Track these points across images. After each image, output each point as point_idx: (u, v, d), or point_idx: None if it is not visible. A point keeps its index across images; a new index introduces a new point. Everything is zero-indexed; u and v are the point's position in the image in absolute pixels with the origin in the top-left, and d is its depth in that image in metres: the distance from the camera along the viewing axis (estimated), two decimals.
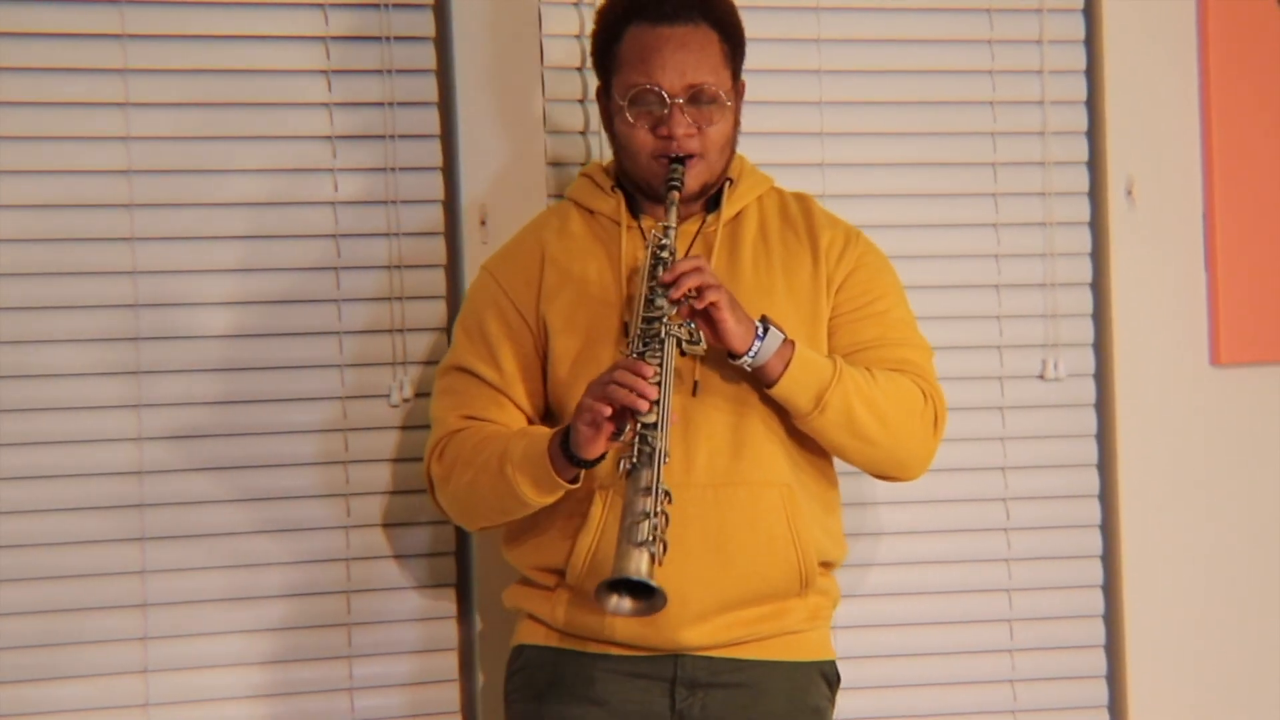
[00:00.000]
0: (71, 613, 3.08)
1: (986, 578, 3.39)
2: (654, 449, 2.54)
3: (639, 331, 2.63)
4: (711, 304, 2.63)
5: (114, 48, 3.09)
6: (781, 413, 2.76)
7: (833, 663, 2.88)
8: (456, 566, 3.20)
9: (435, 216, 3.21)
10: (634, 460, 2.55)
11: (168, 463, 3.11)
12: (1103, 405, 3.44)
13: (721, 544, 2.69)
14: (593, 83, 2.91)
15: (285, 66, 3.17)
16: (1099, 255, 3.44)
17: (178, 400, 3.12)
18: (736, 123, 2.82)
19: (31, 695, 3.06)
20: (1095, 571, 3.43)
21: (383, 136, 3.18)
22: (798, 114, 3.34)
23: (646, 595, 2.50)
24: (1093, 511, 3.44)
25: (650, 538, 2.49)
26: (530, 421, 2.83)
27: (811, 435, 2.76)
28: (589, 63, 2.94)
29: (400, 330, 3.18)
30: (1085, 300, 3.44)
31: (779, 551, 2.74)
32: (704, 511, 2.69)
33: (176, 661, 3.11)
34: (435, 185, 3.21)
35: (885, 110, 3.37)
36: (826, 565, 2.84)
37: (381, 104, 3.18)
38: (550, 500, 2.70)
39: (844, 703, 3.24)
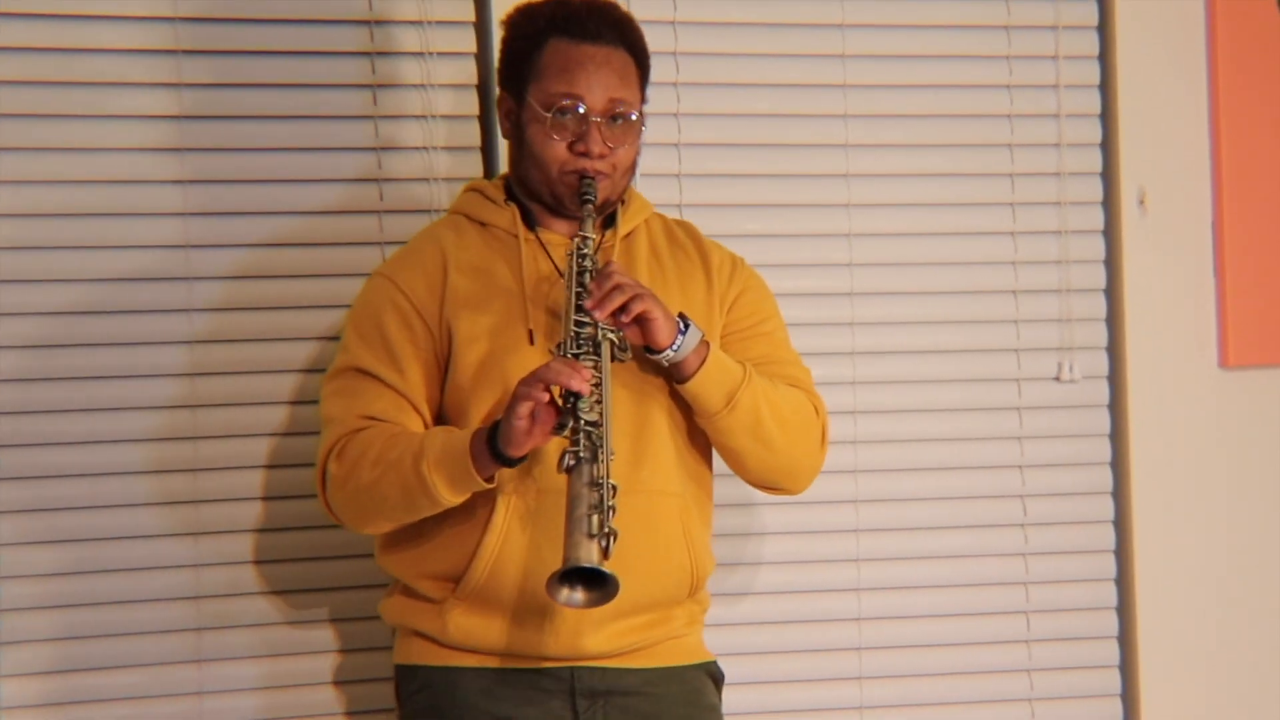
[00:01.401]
0: (124, 605, 3.12)
1: (1004, 572, 3.42)
2: (596, 445, 2.49)
3: (571, 335, 2.58)
4: (642, 313, 2.61)
5: (169, 63, 3.12)
6: (681, 425, 2.75)
7: (715, 663, 2.85)
8: None
9: None
10: (578, 455, 2.49)
11: (221, 460, 3.14)
12: (1115, 406, 3.47)
13: (622, 551, 2.52)
14: None
15: (331, 80, 3.20)
16: (1112, 262, 3.47)
17: (229, 400, 3.14)
18: (639, 148, 2.79)
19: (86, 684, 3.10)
20: (1109, 565, 3.47)
21: (424, 149, 3.21)
22: (824, 126, 3.38)
23: (599, 586, 2.46)
24: (1106, 508, 3.47)
25: (603, 531, 2.46)
26: (427, 426, 2.74)
27: (714, 435, 2.74)
28: None
29: None
30: (1099, 305, 3.47)
31: (674, 559, 2.72)
32: None
33: (227, 650, 3.14)
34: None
35: (907, 123, 3.41)
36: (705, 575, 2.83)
37: (423, 117, 3.20)
38: (460, 500, 2.63)
39: (871, 690, 3.34)
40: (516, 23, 2.80)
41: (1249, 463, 3.52)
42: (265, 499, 3.16)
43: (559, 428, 2.52)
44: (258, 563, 3.16)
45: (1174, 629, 3.47)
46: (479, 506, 2.67)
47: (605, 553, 2.46)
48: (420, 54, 3.22)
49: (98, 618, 3.11)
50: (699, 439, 2.79)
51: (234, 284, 3.16)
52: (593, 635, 2.69)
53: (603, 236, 2.80)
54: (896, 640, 3.39)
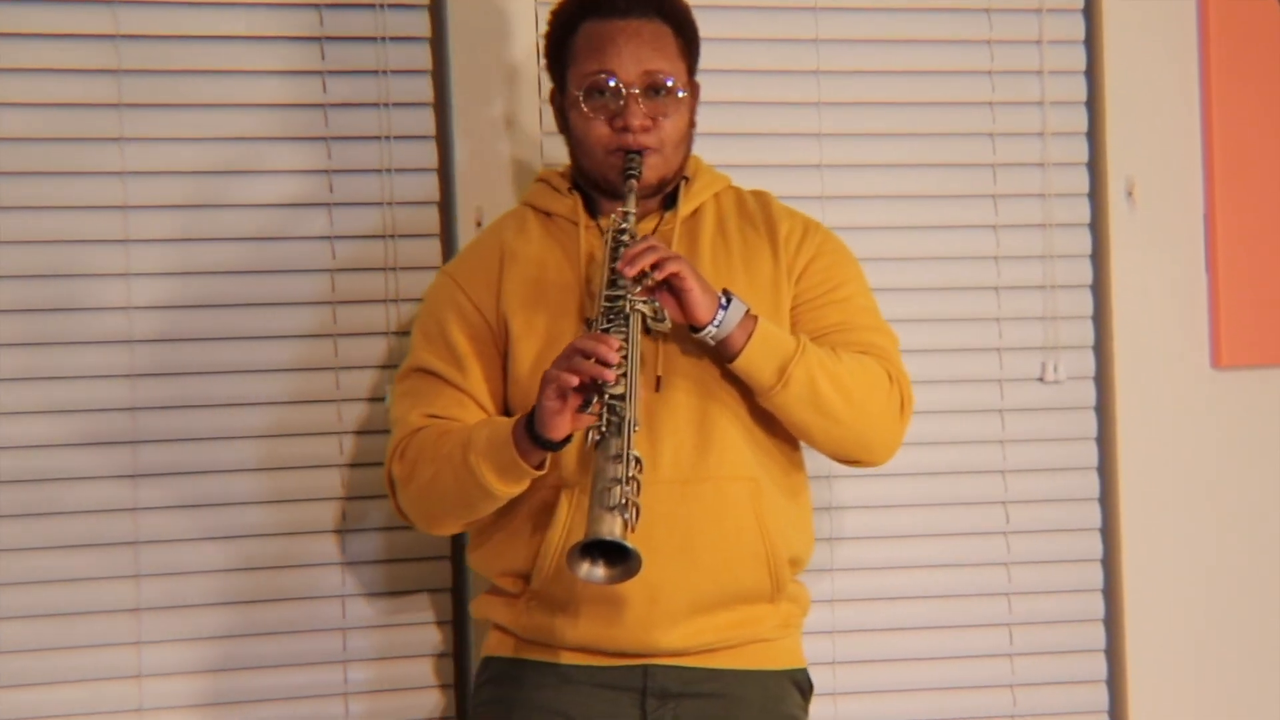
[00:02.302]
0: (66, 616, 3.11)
1: (986, 581, 3.39)
2: (623, 418, 2.51)
3: (602, 310, 2.61)
4: (672, 274, 2.61)
5: (108, 49, 3.11)
6: (747, 404, 2.74)
7: (805, 671, 2.85)
8: (452, 570, 3.22)
9: (431, 218, 3.21)
10: (603, 430, 2.52)
11: (162, 465, 3.13)
12: (1103, 408, 3.45)
13: (689, 541, 2.65)
14: None
15: (280, 67, 3.18)
16: (1099, 257, 3.45)
17: (171, 403, 3.13)
18: (692, 120, 2.81)
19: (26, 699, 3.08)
20: (1095, 575, 3.44)
21: (378, 138, 3.19)
22: (796, 115, 3.35)
23: (620, 561, 2.46)
24: (1093, 515, 3.44)
25: (623, 502, 2.45)
26: None
27: (776, 413, 2.73)
28: None
29: (395, 333, 3.19)
30: (1085, 302, 3.45)
31: (746, 547, 2.72)
32: (671, 508, 2.64)
33: (169, 666, 3.13)
34: (431, 187, 3.22)
35: (884, 111, 3.38)
36: (794, 563, 2.81)
37: (377, 104, 3.19)
38: (516, 490, 2.65)
39: (846, 707, 3.32)
40: (554, 13, 2.85)
41: (1243, 467, 3.48)
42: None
43: (585, 404, 2.54)
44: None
45: (1163, 642, 3.43)
46: (545, 502, 2.71)
47: (628, 525, 2.45)
48: (374, 39, 3.21)
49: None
50: (776, 417, 2.77)
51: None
52: (667, 631, 2.70)
53: (662, 218, 2.83)
54: (872, 654, 3.36)
